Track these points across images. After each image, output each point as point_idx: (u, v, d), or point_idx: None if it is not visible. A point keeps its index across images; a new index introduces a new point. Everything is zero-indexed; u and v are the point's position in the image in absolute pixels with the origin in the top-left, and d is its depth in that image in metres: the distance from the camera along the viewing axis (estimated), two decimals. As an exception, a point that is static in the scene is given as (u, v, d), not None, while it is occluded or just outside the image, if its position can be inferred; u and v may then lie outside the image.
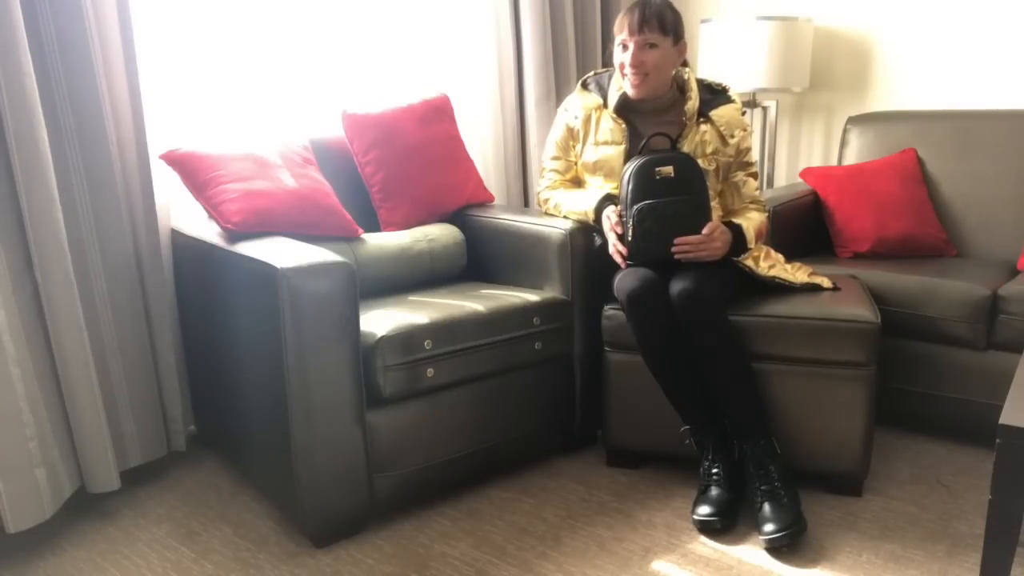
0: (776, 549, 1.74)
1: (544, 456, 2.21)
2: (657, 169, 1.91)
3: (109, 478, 1.93)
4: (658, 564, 1.72)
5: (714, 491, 1.86)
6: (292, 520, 1.88)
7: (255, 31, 2.39)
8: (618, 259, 1.97)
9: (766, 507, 1.77)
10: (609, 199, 2.04)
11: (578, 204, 2.12)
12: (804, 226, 2.62)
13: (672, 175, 1.90)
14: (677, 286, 1.85)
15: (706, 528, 1.82)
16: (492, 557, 1.76)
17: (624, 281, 1.90)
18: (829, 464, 1.93)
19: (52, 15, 1.80)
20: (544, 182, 2.26)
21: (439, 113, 2.46)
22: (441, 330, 1.85)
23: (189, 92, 2.25)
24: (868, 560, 1.71)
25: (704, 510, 1.82)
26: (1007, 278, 2.22)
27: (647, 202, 1.90)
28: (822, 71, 3.05)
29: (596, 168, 2.11)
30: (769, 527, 1.74)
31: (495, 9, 2.83)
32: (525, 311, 2.01)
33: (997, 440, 1.27)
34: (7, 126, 1.70)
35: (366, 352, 1.76)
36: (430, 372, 1.84)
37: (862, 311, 1.89)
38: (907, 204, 2.52)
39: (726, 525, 1.81)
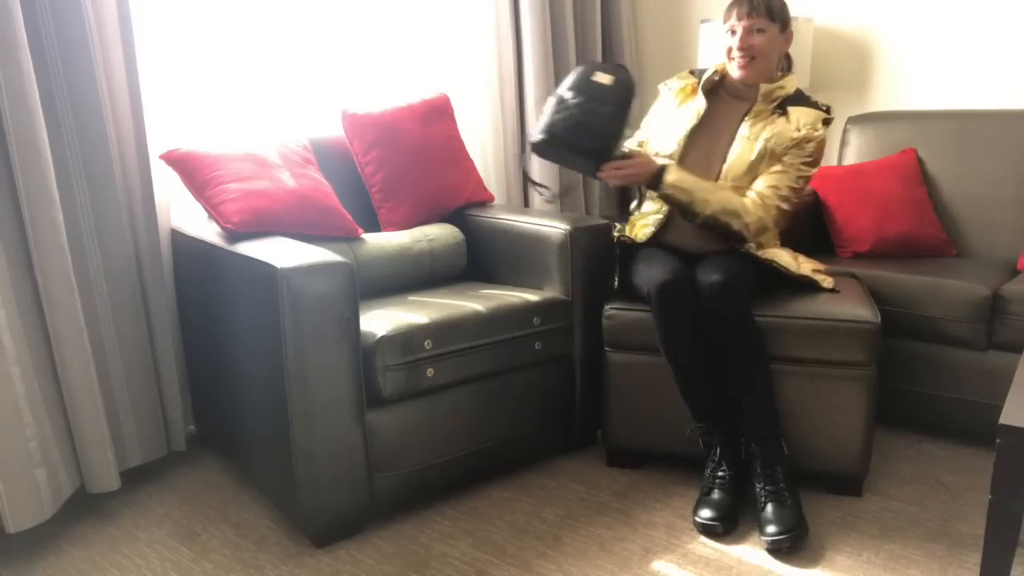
0: (777, 551, 1.74)
1: (544, 456, 2.21)
2: (596, 72, 1.94)
3: (109, 478, 1.93)
4: (658, 564, 1.72)
5: (718, 494, 1.86)
6: (292, 520, 1.88)
7: (255, 31, 2.39)
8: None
9: (769, 508, 1.78)
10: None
11: None
12: (804, 226, 2.61)
13: (607, 84, 1.92)
14: (707, 277, 1.84)
15: (708, 532, 1.82)
16: (492, 557, 1.76)
17: (652, 272, 1.90)
18: (829, 464, 1.93)
19: (52, 15, 1.80)
20: None
21: (439, 113, 2.46)
22: (441, 330, 1.85)
23: (189, 92, 2.25)
24: (868, 560, 1.71)
25: (707, 513, 1.82)
26: (1007, 278, 2.22)
27: (571, 94, 1.92)
28: (822, 71, 3.05)
29: (656, 136, 2.14)
30: (772, 528, 1.74)
31: (495, 9, 2.83)
32: (525, 311, 2.02)
33: (997, 440, 1.27)
34: (7, 126, 1.70)
35: (366, 352, 1.76)
36: (430, 372, 1.84)
37: (862, 311, 1.89)
38: (907, 204, 2.52)
39: (728, 529, 1.81)
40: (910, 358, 2.22)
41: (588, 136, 1.90)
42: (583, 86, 1.93)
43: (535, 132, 1.95)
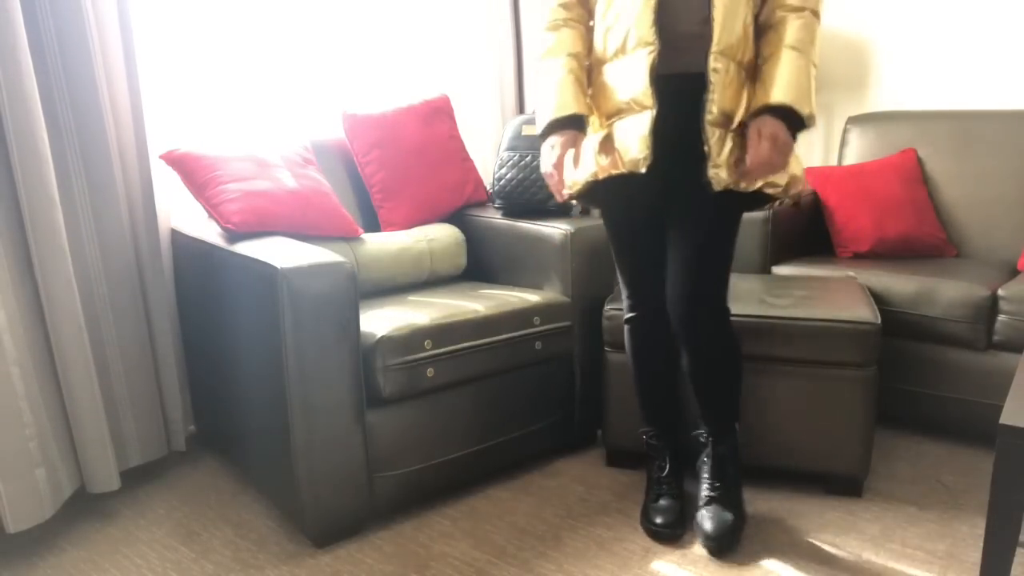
0: (717, 551, 1.72)
1: (544, 456, 2.21)
2: (524, 126, 2.34)
3: (109, 478, 1.93)
4: (658, 564, 1.71)
5: (667, 501, 1.84)
6: (292, 520, 1.88)
7: (255, 32, 2.39)
8: (558, 185, 1.70)
9: (712, 509, 1.76)
10: (572, 123, 1.65)
11: (548, 98, 1.67)
12: (804, 226, 2.62)
13: (536, 134, 2.15)
14: (674, 292, 1.67)
15: (661, 538, 1.79)
16: (492, 557, 1.76)
17: (626, 285, 1.86)
18: (829, 464, 1.93)
19: (52, 15, 1.80)
20: (547, 8, 1.77)
21: (439, 113, 2.46)
22: (441, 330, 1.85)
23: (189, 92, 2.25)
24: (868, 560, 1.71)
25: (660, 520, 1.80)
26: (1007, 278, 2.22)
27: (510, 151, 2.31)
28: (822, 71, 3.05)
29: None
30: (710, 528, 1.72)
31: (495, 9, 2.83)
32: (525, 311, 2.01)
33: (997, 440, 1.27)
34: (7, 126, 1.70)
35: (366, 352, 1.76)
36: (430, 372, 1.84)
37: (862, 312, 1.89)
38: (907, 204, 2.52)
39: (679, 534, 1.80)
40: (910, 358, 2.22)
41: (534, 189, 2.24)
42: (516, 142, 2.29)
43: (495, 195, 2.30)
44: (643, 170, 1.58)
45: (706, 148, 1.56)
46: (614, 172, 1.63)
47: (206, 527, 1.91)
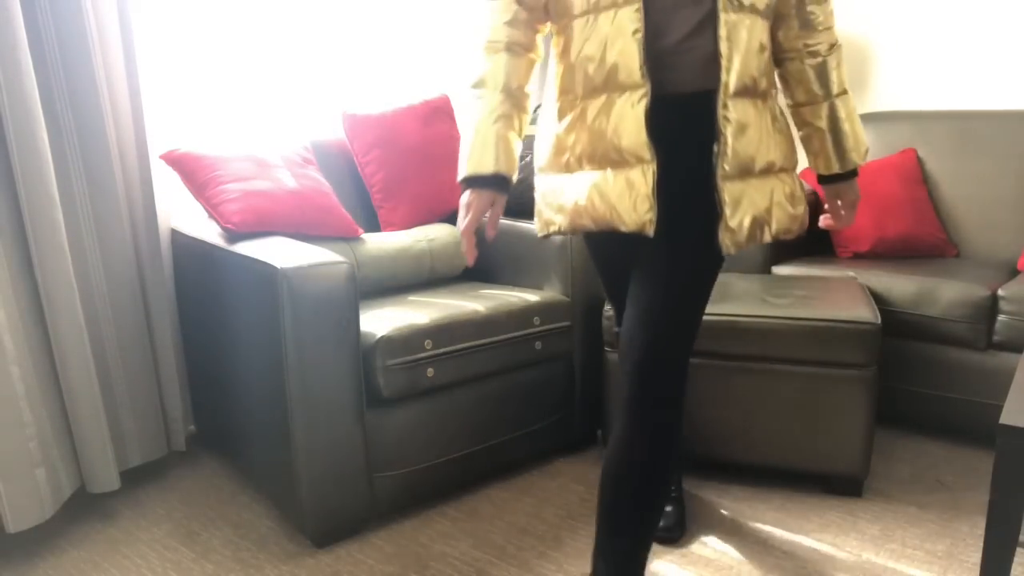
0: None
1: (544, 456, 2.21)
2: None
3: (109, 478, 1.93)
4: (658, 564, 1.71)
5: (668, 506, 1.83)
6: (292, 520, 1.88)
7: (255, 32, 2.39)
8: (468, 250, 1.42)
9: None
10: (491, 183, 1.36)
11: (467, 145, 1.37)
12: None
13: (533, 134, 2.05)
14: (637, 350, 1.29)
15: (660, 540, 1.79)
16: (492, 557, 1.76)
17: (623, 326, 1.82)
18: (829, 464, 1.93)
19: (52, 15, 1.80)
20: (486, 23, 1.39)
21: (440, 113, 2.46)
22: (441, 330, 1.85)
23: (189, 92, 2.25)
24: (868, 560, 1.71)
25: (663, 523, 1.80)
26: (1007, 278, 2.23)
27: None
28: (822, 71, 3.05)
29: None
30: None
31: (495, 9, 2.83)
32: (525, 311, 2.02)
33: (997, 440, 1.27)
34: (7, 126, 1.70)
35: (366, 352, 1.76)
36: (430, 372, 1.84)
37: (862, 312, 1.89)
38: (907, 204, 2.53)
39: (677, 536, 1.80)
40: (910, 358, 2.22)
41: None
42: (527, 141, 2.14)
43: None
44: (651, 233, 1.28)
45: (719, 207, 1.28)
46: (611, 231, 1.32)
47: (206, 527, 1.91)
